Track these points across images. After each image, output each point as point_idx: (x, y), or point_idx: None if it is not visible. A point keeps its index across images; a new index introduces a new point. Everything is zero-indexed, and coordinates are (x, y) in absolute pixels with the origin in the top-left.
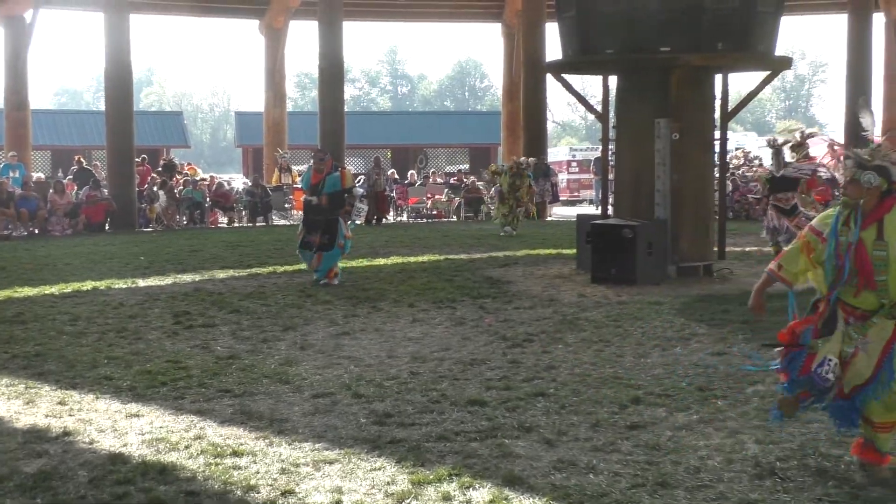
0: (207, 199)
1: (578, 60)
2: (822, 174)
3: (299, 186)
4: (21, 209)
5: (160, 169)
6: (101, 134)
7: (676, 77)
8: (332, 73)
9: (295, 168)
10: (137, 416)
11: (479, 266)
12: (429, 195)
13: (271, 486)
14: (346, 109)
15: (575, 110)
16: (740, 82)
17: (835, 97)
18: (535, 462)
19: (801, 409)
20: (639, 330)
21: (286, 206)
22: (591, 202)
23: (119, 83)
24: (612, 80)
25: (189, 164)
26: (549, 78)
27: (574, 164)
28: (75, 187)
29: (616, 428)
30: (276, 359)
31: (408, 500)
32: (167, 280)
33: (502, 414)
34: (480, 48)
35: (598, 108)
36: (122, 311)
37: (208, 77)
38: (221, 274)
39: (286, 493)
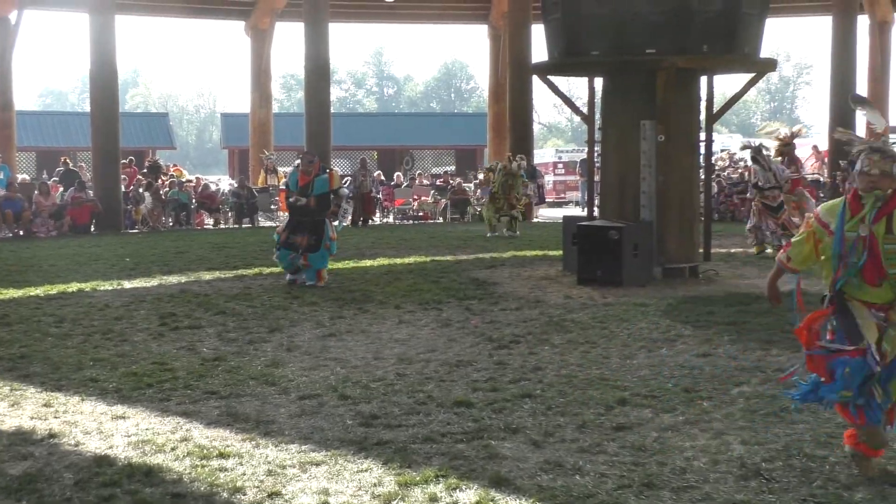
0: (193, 201)
1: (564, 62)
2: (807, 176)
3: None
4: (6, 210)
5: (145, 170)
6: (87, 135)
7: (662, 79)
8: (318, 75)
9: (281, 169)
10: (123, 417)
11: (465, 267)
12: (415, 197)
13: (258, 487)
14: (332, 111)
15: (561, 112)
16: (725, 84)
17: (819, 99)
18: (521, 463)
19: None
20: (625, 331)
21: (272, 207)
22: (577, 204)
23: (104, 84)
24: (598, 82)
25: (175, 165)
26: (536, 79)
27: (560, 165)
28: (60, 189)
29: (602, 429)
30: (263, 360)
31: (394, 502)
32: (153, 281)
33: (489, 415)
34: (467, 50)
35: (584, 109)
36: (108, 313)
37: (194, 78)
38: (207, 275)
39: (273, 495)
